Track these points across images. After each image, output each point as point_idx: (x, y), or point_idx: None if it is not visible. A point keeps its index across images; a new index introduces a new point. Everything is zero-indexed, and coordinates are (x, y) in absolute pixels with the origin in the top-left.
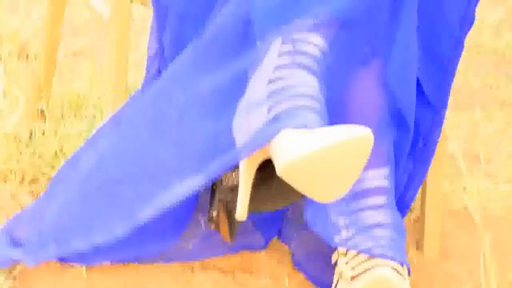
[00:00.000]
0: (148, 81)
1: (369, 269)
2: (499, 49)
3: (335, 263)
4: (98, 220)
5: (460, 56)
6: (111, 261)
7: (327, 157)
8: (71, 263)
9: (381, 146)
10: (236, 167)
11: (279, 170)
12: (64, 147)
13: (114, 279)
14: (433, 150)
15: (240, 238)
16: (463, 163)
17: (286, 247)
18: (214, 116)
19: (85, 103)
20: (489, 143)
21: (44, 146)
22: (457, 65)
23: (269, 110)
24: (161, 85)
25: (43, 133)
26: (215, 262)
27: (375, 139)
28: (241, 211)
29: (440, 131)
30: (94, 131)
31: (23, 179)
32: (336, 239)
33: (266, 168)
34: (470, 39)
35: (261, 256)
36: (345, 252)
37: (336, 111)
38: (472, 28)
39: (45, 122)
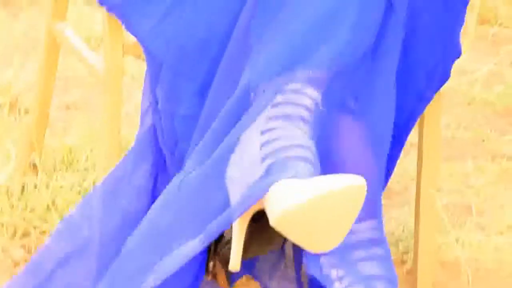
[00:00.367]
0: (142, 134)
1: None
2: (490, 101)
3: None
4: None
5: (423, 111)
6: None
7: (320, 206)
8: None
9: (373, 197)
10: None
11: (273, 222)
12: (56, 200)
13: None
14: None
15: None
16: (455, 215)
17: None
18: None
19: (78, 156)
20: (481, 195)
21: (36, 199)
22: (417, 118)
23: (262, 160)
24: None
25: (35, 186)
26: None
27: (368, 189)
28: (235, 263)
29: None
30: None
31: (14, 232)
32: None
33: (259, 217)
34: (461, 91)
35: None
36: None
37: (328, 161)
38: (464, 80)
39: (37, 175)
